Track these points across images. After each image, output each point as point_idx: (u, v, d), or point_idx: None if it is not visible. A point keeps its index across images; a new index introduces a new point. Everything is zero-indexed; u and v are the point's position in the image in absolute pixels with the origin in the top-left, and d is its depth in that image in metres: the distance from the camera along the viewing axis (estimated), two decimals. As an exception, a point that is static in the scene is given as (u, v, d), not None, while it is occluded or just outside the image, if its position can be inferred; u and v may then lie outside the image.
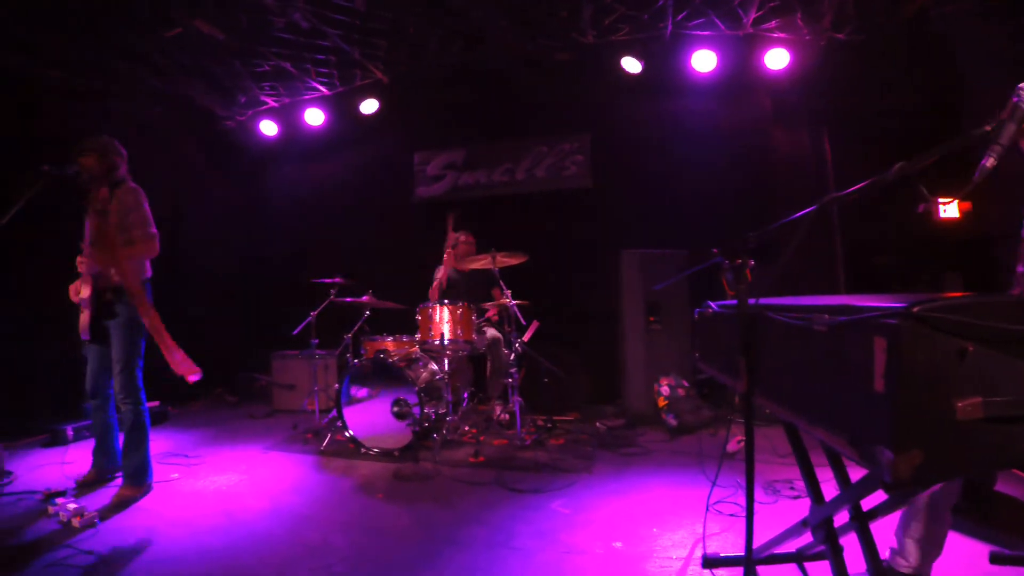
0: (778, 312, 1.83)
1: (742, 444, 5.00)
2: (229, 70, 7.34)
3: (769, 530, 2.71)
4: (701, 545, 3.24)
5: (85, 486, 4.47)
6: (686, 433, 5.71)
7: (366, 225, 8.59)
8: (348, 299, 5.99)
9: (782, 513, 3.66)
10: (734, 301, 2.10)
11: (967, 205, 6.03)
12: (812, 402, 1.68)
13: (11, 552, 3.41)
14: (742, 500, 3.81)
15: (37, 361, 6.11)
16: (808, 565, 2.64)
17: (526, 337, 6.02)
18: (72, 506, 3.81)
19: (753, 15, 6.15)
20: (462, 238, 6.60)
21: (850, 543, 2.08)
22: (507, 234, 6.19)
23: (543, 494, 4.24)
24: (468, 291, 6.31)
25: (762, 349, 1.96)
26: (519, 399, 5.52)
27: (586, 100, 7.70)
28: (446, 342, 5.41)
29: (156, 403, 6.69)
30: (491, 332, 6.24)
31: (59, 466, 4.98)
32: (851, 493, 1.93)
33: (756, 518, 2.06)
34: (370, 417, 5.37)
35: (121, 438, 4.44)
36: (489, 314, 6.29)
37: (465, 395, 6.28)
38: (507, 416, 5.89)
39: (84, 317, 4.31)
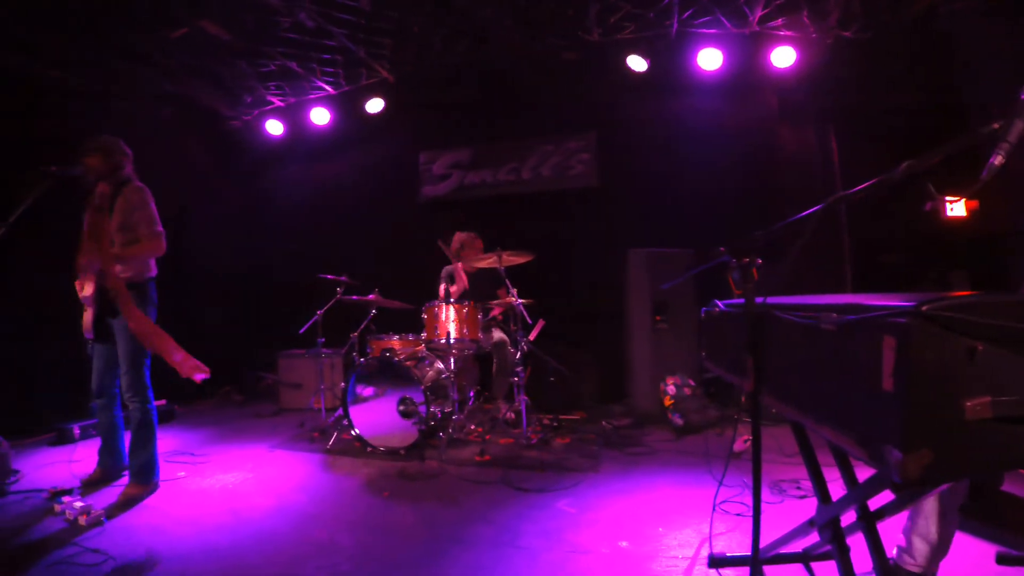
0: (786, 311, 1.83)
1: (748, 443, 4.99)
2: (235, 70, 7.36)
3: (775, 530, 2.70)
4: (707, 544, 3.23)
5: (91, 485, 4.49)
6: (692, 432, 5.69)
7: (372, 224, 8.60)
8: (354, 297, 6.00)
9: (788, 513, 3.66)
10: (741, 300, 2.10)
11: (974, 203, 6.00)
12: (820, 401, 1.67)
13: (18, 550, 3.43)
14: (748, 500, 3.81)
15: (43, 359, 6.13)
16: (814, 565, 2.63)
17: (532, 336, 6.01)
18: (78, 504, 3.83)
19: (759, 13, 6.13)
20: (466, 239, 6.58)
21: (855, 542, 2.08)
22: (513, 233, 6.19)
23: (549, 493, 4.24)
24: (474, 291, 6.31)
25: (769, 348, 1.95)
26: (525, 398, 5.52)
27: (592, 99, 7.68)
28: (452, 341, 5.41)
29: (163, 401, 6.72)
30: (497, 332, 6.24)
31: (66, 464, 5.01)
32: (858, 493, 1.92)
33: (762, 518, 2.06)
34: (376, 416, 5.38)
35: (127, 437, 4.45)
36: (494, 312, 6.28)
37: (471, 394, 6.28)
38: (513, 415, 5.89)
39: (88, 316, 4.32)
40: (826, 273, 6.60)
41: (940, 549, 2.44)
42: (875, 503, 1.97)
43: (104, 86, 6.85)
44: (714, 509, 3.53)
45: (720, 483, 3.66)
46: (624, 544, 3.36)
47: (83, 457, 5.13)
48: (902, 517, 2.46)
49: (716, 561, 2.84)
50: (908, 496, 2.02)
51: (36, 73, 6.26)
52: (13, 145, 5.92)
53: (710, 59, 6.67)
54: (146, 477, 4.35)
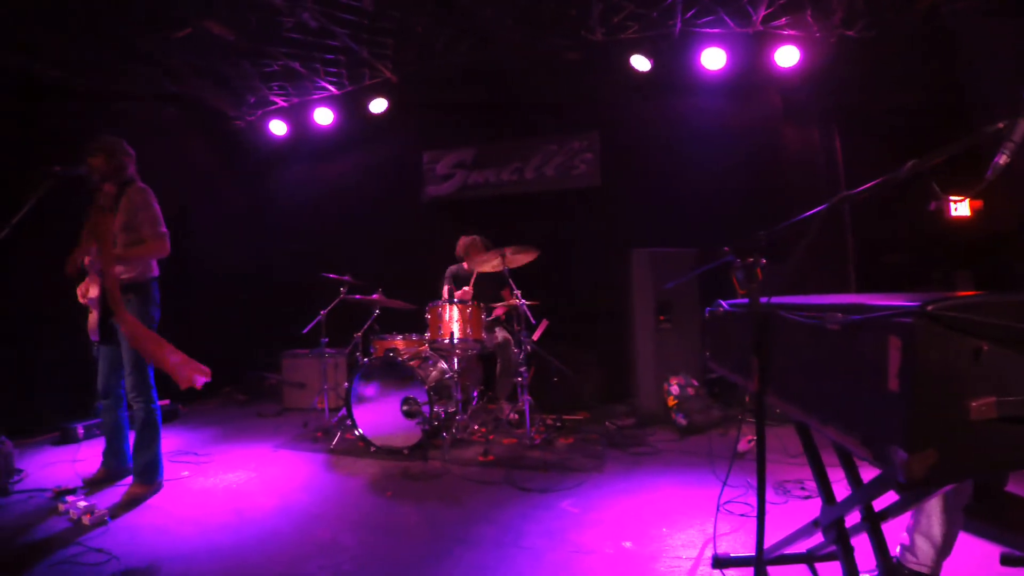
0: (790, 311, 1.82)
1: (752, 444, 4.98)
2: (238, 70, 7.36)
3: (779, 530, 2.70)
4: (711, 545, 3.23)
5: (95, 484, 4.50)
6: (696, 433, 5.69)
7: (376, 224, 8.60)
8: (358, 297, 6.00)
9: (793, 513, 3.65)
10: (745, 300, 2.09)
11: (978, 203, 5.99)
12: (824, 401, 1.67)
13: (22, 549, 3.44)
14: (752, 500, 3.80)
15: (47, 359, 6.13)
16: (819, 565, 2.63)
17: (535, 336, 6.01)
18: (82, 504, 3.84)
19: (763, 12, 6.12)
20: (469, 243, 6.57)
21: (857, 542, 2.07)
22: (516, 233, 6.18)
23: (552, 493, 4.24)
24: (479, 292, 6.30)
25: (774, 348, 1.95)
26: (529, 398, 5.51)
27: (595, 99, 7.67)
28: (456, 341, 5.41)
29: (166, 401, 6.73)
30: (501, 332, 6.24)
31: (70, 464, 5.02)
32: (863, 493, 1.91)
33: (766, 518, 2.05)
34: (380, 416, 5.38)
35: (132, 437, 4.46)
36: (498, 312, 6.28)
37: (474, 394, 6.28)
38: (516, 415, 5.88)
39: (93, 317, 4.33)
40: (830, 273, 6.60)
41: (944, 549, 2.43)
42: (880, 504, 1.97)
43: (108, 86, 6.86)
44: (718, 509, 3.53)
45: (724, 483, 3.65)
46: (628, 544, 3.35)
47: (87, 457, 5.14)
48: (906, 516, 2.46)
49: (720, 562, 2.84)
50: (912, 496, 2.02)
51: (38, 73, 6.27)
52: (16, 145, 5.93)
53: (713, 59, 6.66)
54: (150, 477, 4.36)
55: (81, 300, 4.44)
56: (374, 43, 6.85)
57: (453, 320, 5.46)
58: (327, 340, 6.47)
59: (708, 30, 6.51)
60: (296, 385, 7.58)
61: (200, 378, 4.33)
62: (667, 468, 4.77)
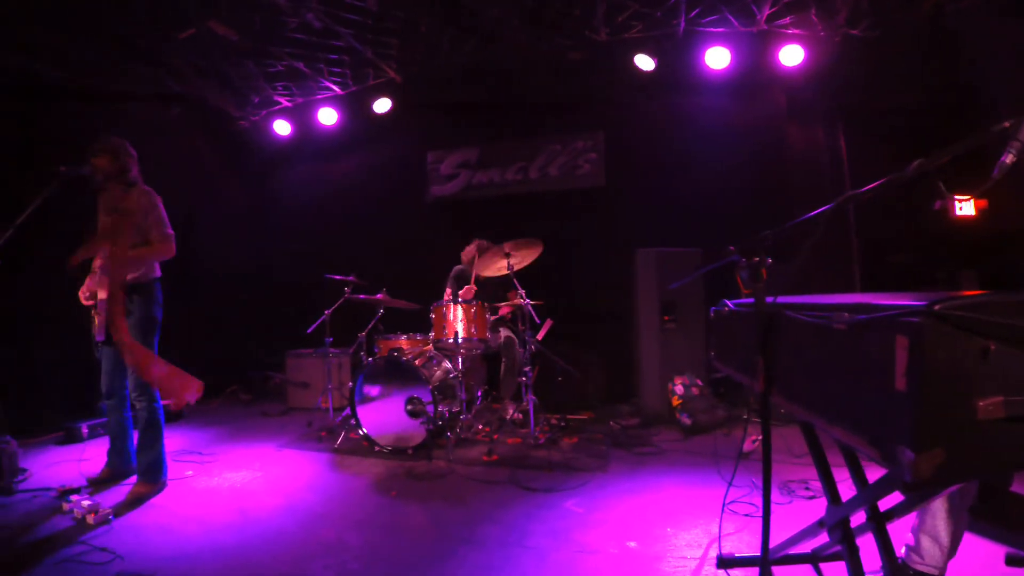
0: (796, 310, 1.82)
1: (757, 444, 4.98)
2: (242, 70, 7.37)
3: (784, 530, 2.70)
4: (716, 545, 3.23)
5: (99, 484, 4.51)
6: (700, 433, 5.68)
7: (380, 224, 8.61)
8: (362, 297, 6.01)
9: (797, 513, 3.64)
10: (751, 300, 2.09)
11: (983, 203, 5.95)
12: (831, 401, 1.66)
13: (26, 548, 3.45)
14: (757, 500, 3.80)
15: (51, 359, 6.14)
16: (823, 566, 2.62)
17: (540, 336, 6.01)
18: (86, 503, 3.85)
19: (767, 11, 6.11)
20: (475, 250, 6.55)
21: (863, 543, 2.07)
22: (521, 233, 6.17)
23: (557, 493, 4.23)
24: (483, 292, 6.30)
25: (779, 348, 1.95)
26: (533, 398, 5.51)
27: (599, 98, 7.66)
28: (460, 340, 5.41)
29: (170, 401, 6.72)
30: (505, 332, 6.24)
31: (74, 463, 5.03)
32: (869, 493, 1.91)
33: (771, 518, 2.05)
34: (384, 415, 5.38)
35: (136, 437, 4.47)
36: (502, 312, 6.27)
37: (478, 394, 6.27)
38: (521, 415, 5.88)
39: (99, 319, 4.33)
40: (834, 273, 6.58)
41: (949, 550, 2.43)
42: (885, 504, 1.96)
43: (111, 86, 6.87)
44: (723, 509, 3.52)
45: (730, 483, 3.64)
46: (632, 544, 3.35)
47: (91, 456, 5.15)
48: (911, 516, 2.45)
49: (725, 562, 2.83)
50: (918, 496, 2.01)
51: (42, 73, 6.28)
52: (17, 146, 5.95)
53: (718, 58, 6.64)
54: (154, 476, 4.37)
55: (85, 302, 4.44)
56: (378, 43, 6.86)
57: (457, 320, 5.46)
58: (331, 340, 6.48)
59: (712, 29, 6.49)
60: (300, 385, 7.59)
61: (189, 394, 4.30)
62: (671, 468, 4.77)
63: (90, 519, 3.74)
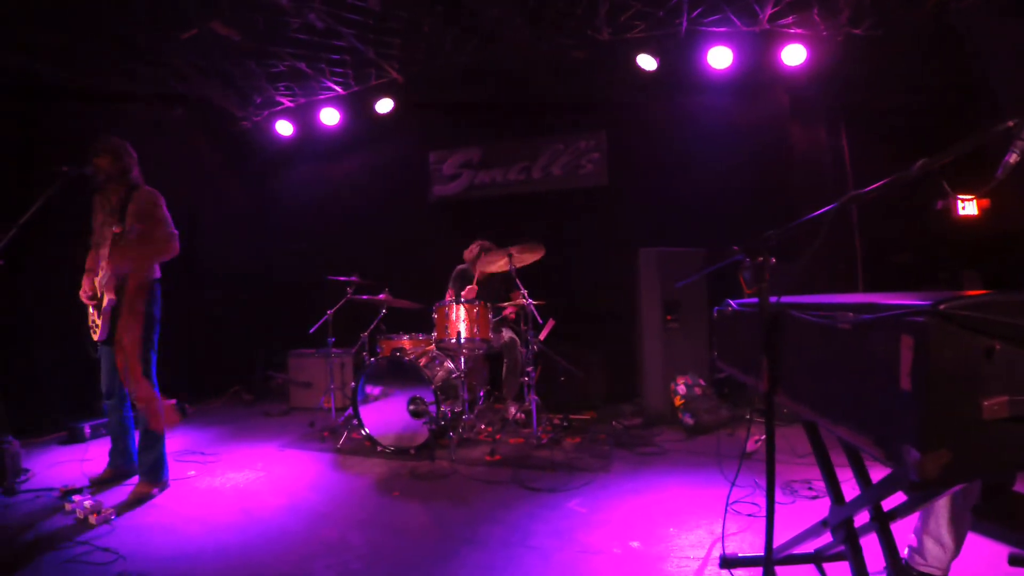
0: (801, 310, 1.82)
1: (760, 443, 4.98)
2: (244, 70, 7.37)
3: (787, 530, 2.69)
4: (719, 545, 3.22)
5: (101, 484, 4.51)
6: (703, 433, 5.68)
7: (382, 224, 8.61)
8: (364, 297, 6.01)
9: (800, 513, 3.64)
10: (754, 299, 2.09)
11: (986, 202, 5.97)
12: (835, 401, 1.66)
13: (29, 548, 3.45)
14: (760, 500, 3.80)
15: (54, 358, 6.15)
16: (826, 566, 2.62)
17: (542, 336, 6.00)
18: (89, 503, 3.85)
19: (769, 11, 6.10)
20: (478, 249, 6.55)
21: (864, 543, 2.06)
22: (524, 233, 6.17)
23: (560, 493, 4.23)
24: (486, 292, 6.29)
25: (783, 348, 1.95)
26: (535, 398, 5.50)
27: (602, 98, 7.64)
28: (462, 340, 5.41)
29: (173, 401, 6.72)
30: (507, 332, 6.24)
31: (76, 463, 5.03)
32: (872, 493, 1.91)
33: (774, 518, 2.05)
34: (386, 415, 5.38)
35: (137, 436, 4.48)
36: (506, 312, 6.27)
37: (481, 394, 6.27)
38: (523, 415, 5.88)
39: (102, 320, 4.33)
40: (837, 273, 6.58)
41: (952, 550, 2.42)
42: (888, 504, 1.96)
43: (113, 87, 6.87)
44: (726, 509, 3.51)
45: (733, 483, 3.63)
46: (635, 544, 3.35)
47: (94, 456, 5.16)
48: (912, 517, 2.45)
49: (728, 561, 2.84)
50: (922, 496, 2.01)
51: (42, 73, 6.28)
52: (19, 145, 5.96)
53: (720, 57, 6.63)
54: (156, 476, 4.37)
55: (87, 301, 4.43)
56: (380, 43, 6.85)
57: (460, 320, 5.46)
58: (334, 340, 6.49)
59: (714, 29, 6.48)
60: (303, 384, 7.59)
61: (163, 423, 4.32)
62: (674, 468, 4.76)
63: (92, 519, 3.75)
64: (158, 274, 4.57)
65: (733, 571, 2.90)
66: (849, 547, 2.08)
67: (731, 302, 2.72)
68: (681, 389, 5.96)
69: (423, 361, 5.36)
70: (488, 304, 5.67)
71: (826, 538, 2.32)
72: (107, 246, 4.33)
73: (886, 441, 1.35)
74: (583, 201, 7.84)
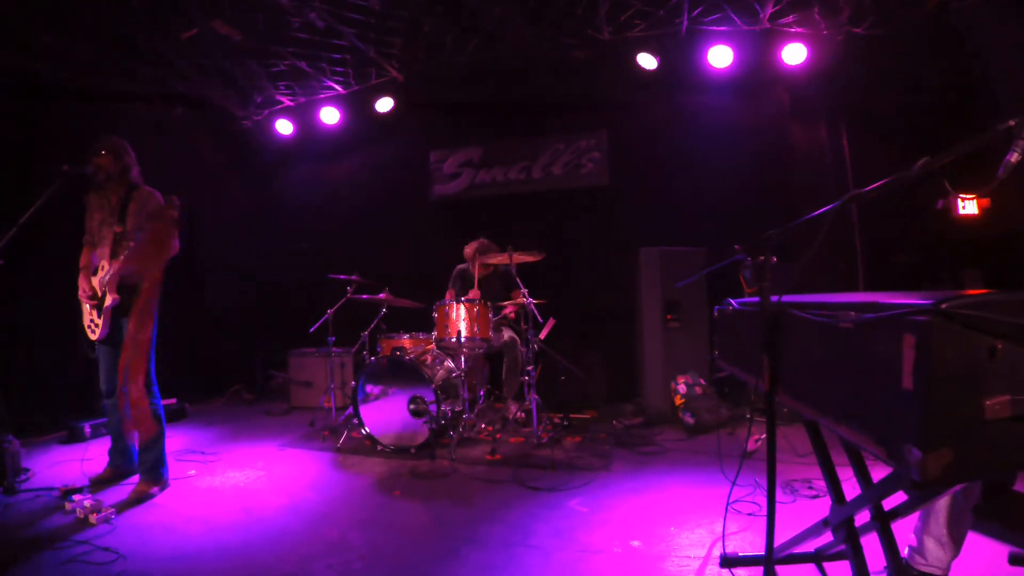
0: (802, 309, 1.81)
1: (760, 443, 4.98)
2: (245, 70, 7.36)
3: (788, 529, 2.69)
4: (719, 544, 3.22)
5: (101, 483, 4.51)
6: (704, 432, 5.68)
7: (383, 223, 8.60)
8: (365, 296, 6.01)
9: (801, 513, 3.64)
10: (755, 299, 2.09)
11: (986, 202, 5.97)
12: (837, 400, 1.66)
13: (29, 547, 3.45)
14: (760, 499, 3.80)
15: (54, 358, 6.15)
16: (827, 565, 2.62)
17: (543, 335, 6.00)
18: (89, 502, 3.85)
19: (770, 10, 6.09)
20: (478, 247, 6.54)
21: (866, 542, 2.06)
22: (524, 232, 6.18)
23: (560, 492, 4.23)
24: (486, 291, 6.29)
25: (785, 347, 1.94)
26: (536, 397, 5.50)
27: (602, 97, 7.64)
28: (463, 340, 5.41)
29: (173, 400, 6.75)
30: (507, 331, 6.24)
31: (77, 463, 5.02)
32: (873, 492, 1.91)
33: (775, 517, 2.05)
34: (387, 414, 5.38)
35: (137, 436, 4.47)
36: (506, 311, 6.26)
37: (481, 393, 6.27)
38: (524, 414, 5.88)
39: (103, 320, 4.32)
40: (837, 272, 6.58)
41: (952, 550, 2.42)
42: (889, 503, 1.96)
43: (113, 86, 6.86)
44: (726, 509, 3.51)
45: (734, 483, 3.63)
46: (636, 543, 3.35)
47: (94, 455, 5.15)
48: (912, 517, 2.45)
49: (728, 561, 2.84)
50: (923, 496, 2.01)
51: (42, 73, 6.27)
52: (19, 145, 5.96)
53: (720, 57, 6.62)
54: (156, 475, 4.36)
55: (87, 302, 4.42)
56: (381, 42, 6.84)
57: (460, 319, 5.45)
58: (334, 339, 6.49)
59: (715, 28, 6.47)
60: (303, 384, 7.59)
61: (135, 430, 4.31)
62: (675, 467, 4.77)
63: (92, 518, 3.74)
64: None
65: (734, 570, 2.90)
66: (850, 546, 2.08)
67: (732, 301, 2.72)
68: (682, 388, 5.97)
69: (423, 360, 5.36)
70: (488, 303, 5.66)
71: (827, 537, 2.31)
72: (107, 245, 4.33)
73: (888, 440, 1.35)
74: (584, 200, 7.83)
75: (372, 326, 6.11)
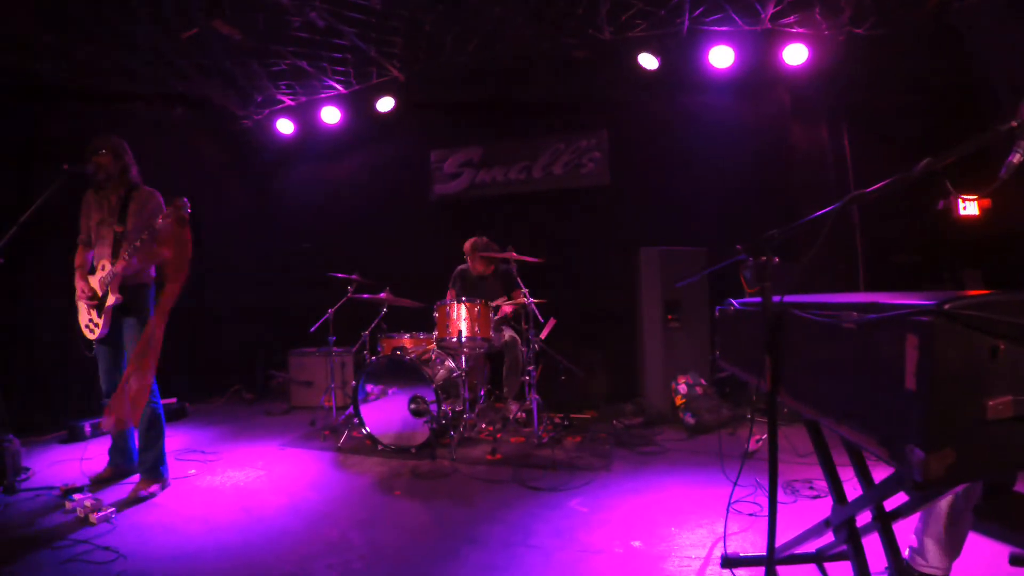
0: (804, 309, 1.81)
1: (761, 443, 4.98)
2: (246, 69, 7.36)
3: (789, 530, 2.69)
4: (720, 544, 3.22)
5: (101, 482, 4.52)
6: (704, 432, 5.67)
7: (383, 223, 8.60)
8: (365, 296, 6.01)
9: (801, 513, 3.63)
10: (756, 299, 2.08)
11: (987, 202, 5.97)
12: (839, 401, 1.66)
13: (29, 547, 3.45)
14: (761, 499, 3.80)
15: (54, 357, 6.16)
16: (828, 565, 2.62)
17: (543, 335, 6.00)
18: (89, 502, 3.85)
19: (771, 10, 6.09)
20: (477, 243, 6.54)
21: (867, 542, 2.06)
22: (524, 232, 6.18)
23: (561, 492, 4.23)
24: (488, 292, 6.29)
25: (786, 347, 1.94)
26: (536, 397, 5.50)
27: (603, 97, 7.63)
28: (463, 339, 5.40)
29: (173, 400, 6.76)
30: (508, 331, 6.24)
31: (77, 462, 5.02)
32: (875, 493, 1.91)
33: (776, 518, 2.05)
34: (387, 414, 5.38)
35: (137, 435, 4.48)
36: (506, 311, 6.26)
37: (482, 393, 6.27)
38: (524, 414, 5.88)
39: (103, 320, 4.33)
40: (838, 272, 6.57)
41: (953, 550, 2.42)
42: (890, 503, 1.96)
43: (113, 86, 6.86)
44: (727, 509, 3.51)
45: (735, 483, 3.63)
46: (637, 544, 3.35)
47: (94, 455, 5.14)
48: (913, 518, 2.45)
49: (729, 561, 2.83)
50: (925, 496, 2.00)
51: (42, 73, 6.28)
52: (19, 145, 5.96)
53: (721, 57, 6.62)
54: (156, 475, 4.37)
55: (88, 302, 4.41)
56: (382, 42, 6.83)
57: (461, 319, 5.45)
58: (334, 338, 6.48)
59: (716, 28, 6.47)
60: (303, 383, 7.59)
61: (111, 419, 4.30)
62: (675, 467, 4.77)
63: (92, 518, 3.74)
64: (154, 274, 4.58)
65: (735, 571, 2.90)
66: (851, 547, 2.08)
67: (733, 301, 2.72)
68: (682, 388, 5.97)
69: (424, 360, 5.36)
70: (489, 303, 5.66)
71: (828, 538, 2.31)
72: (106, 245, 4.33)
73: (890, 440, 1.35)
74: (584, 200, 7.82)
75: (373, 326, 6.11)
